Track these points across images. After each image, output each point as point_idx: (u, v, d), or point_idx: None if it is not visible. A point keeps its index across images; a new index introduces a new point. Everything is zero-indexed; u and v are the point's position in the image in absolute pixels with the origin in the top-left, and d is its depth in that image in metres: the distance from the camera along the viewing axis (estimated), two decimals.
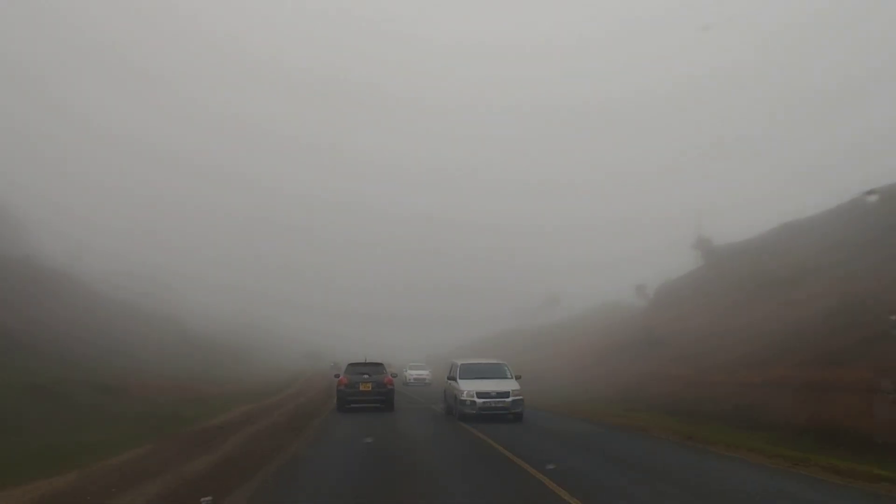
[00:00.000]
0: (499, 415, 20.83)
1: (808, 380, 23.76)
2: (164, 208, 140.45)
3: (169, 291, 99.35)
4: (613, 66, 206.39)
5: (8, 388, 19.67)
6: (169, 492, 9.66)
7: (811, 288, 34.10)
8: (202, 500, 8.70)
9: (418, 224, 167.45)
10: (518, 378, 22.34)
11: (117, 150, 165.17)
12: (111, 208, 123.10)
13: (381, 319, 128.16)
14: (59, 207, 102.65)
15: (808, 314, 30.74)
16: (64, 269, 69.07)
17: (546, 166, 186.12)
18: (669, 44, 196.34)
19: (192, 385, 39.01)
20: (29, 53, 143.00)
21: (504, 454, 13.88)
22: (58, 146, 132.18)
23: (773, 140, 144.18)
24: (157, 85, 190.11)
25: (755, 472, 12.26)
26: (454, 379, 22.30)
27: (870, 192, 37.26)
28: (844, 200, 39.57)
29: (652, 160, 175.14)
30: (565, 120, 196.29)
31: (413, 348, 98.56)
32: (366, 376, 24.18)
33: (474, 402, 20.78)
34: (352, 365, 25.22)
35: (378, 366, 25.51)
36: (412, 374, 50.67)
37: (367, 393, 23.76)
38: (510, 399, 21.01)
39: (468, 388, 21.11)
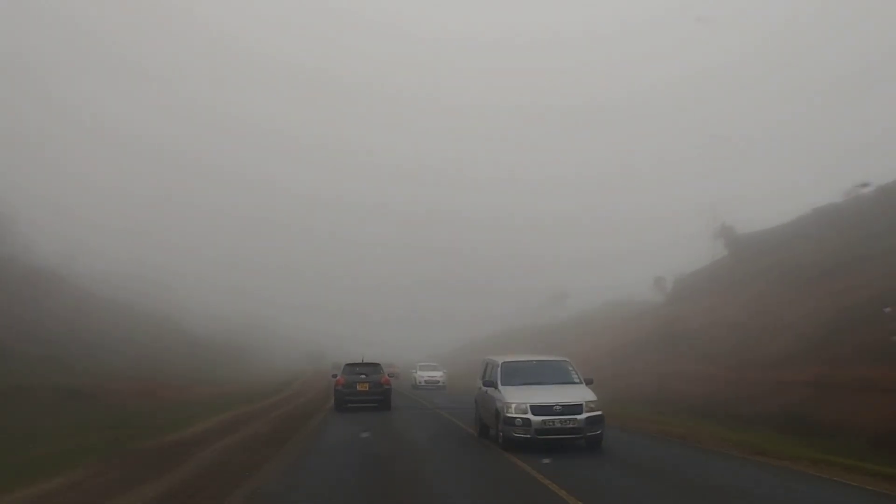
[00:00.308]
0: (567, 440, 14.02)
1: (853, 378, 21.19)
2: (163, 208, 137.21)
3: (168, 292, 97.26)
4: (617, 61, 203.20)
5: None
6: None
7: (849, 279, 31.17)
8: None
9: (419, 223, 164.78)
10: (590, 383, 15.32)
11: (116, 148, 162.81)
12: (109, 208, 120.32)
13: (383, 319, 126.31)
14: (55, 207, 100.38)
15: (847, 307, 27.89)
16: (55, 268, 66.79)
17: (546, 164, 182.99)
18: (673, 38, 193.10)
19: (181, 387, 36.25)
20: (25, 49, 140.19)
21: None
22: (55, 144, 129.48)
23: (786, 132, 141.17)
24: (156, 82, 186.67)
25: None
26: (493, 385, 15.28)
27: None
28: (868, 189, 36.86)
29: (656, 156, 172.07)
30: (566, 117, 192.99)
31: (415, 348, 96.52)
32: (363, 376, 24.09)
33: (528, 420, 13.79)
34: (349, 365, 25.07)
35: (375, 366, 25.24)
36: (423, 375, 43.38)
37: (364, 393, 23.72)
38: (583, 416, 13.85)
39: (516, 398, 14.19)
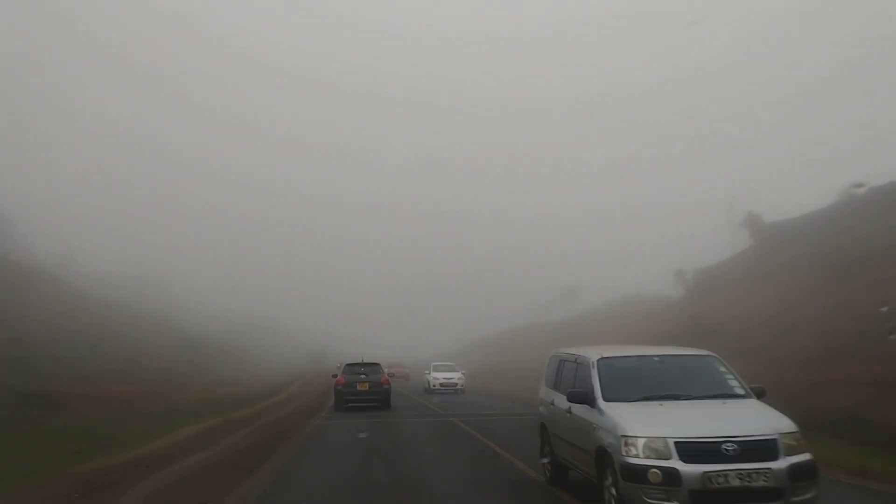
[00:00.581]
0: None
1: None
2: (164, 209, 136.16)
3: (168, 293, 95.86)
4: (620, 53, 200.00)
5: None
6: None
7: (883, 269, 28.23)
8: None
9: (421, 222, 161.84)
10: (762, 396, 8.72)
11: (115, 149, 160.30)
12: (108, 209, 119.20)
13: (387, 320, 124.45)
14: (52, 208, 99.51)
15: (886, 300, 24.92)
16: (49, 268, 64.60)
17: (548, 161, 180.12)
18: (678, 33, 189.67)
19: (169, 391, 33.44)
20: (22, 50, 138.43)
21: None
22: (53, 145, 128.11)
23: (785, 128, 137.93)
24: (153, 83, 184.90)
25: None
26: (586, 400, 8.62)
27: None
28: None
29: (657, 151, 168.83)
30: (565, 114, 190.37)
31: (418, 348, 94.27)
32: (363, 376, 24.09)
33: (673, 472, 7.16)
34: (349, 365, 25.05)
35: (375, 366, 25.17)
36: (438, 377, 36.22)
37: (364, 392, 23.73)
38: (783, 464, 7.23)
39: (644, 428, 7.55)
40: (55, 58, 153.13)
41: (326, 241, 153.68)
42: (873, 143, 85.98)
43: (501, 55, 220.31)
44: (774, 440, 7.40)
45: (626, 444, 7.46)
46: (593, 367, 8.83)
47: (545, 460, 10.56)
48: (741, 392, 8.73)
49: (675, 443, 7.29)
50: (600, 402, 8.35)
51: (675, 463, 7.22)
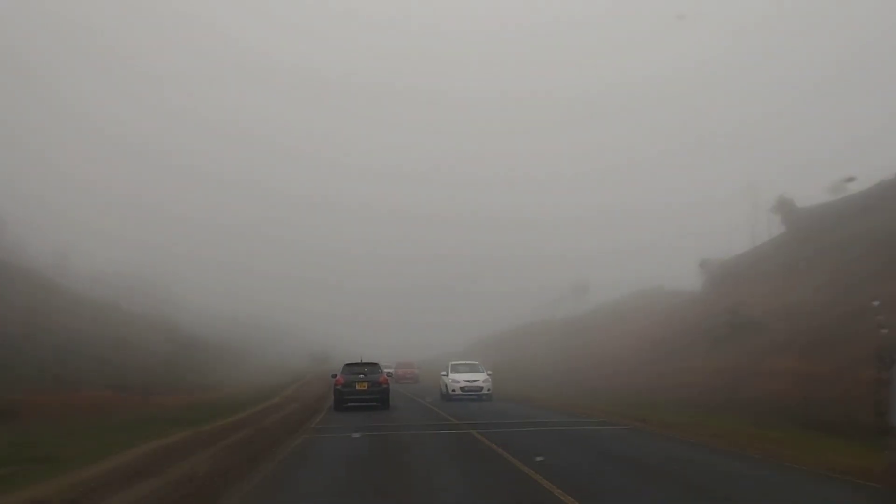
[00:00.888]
0: None
1: None
2: (165, 211, 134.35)
3: (167, 294, 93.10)
4: (618, 51, 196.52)
5: None
6: None
7: None
8: None
9: (422, 223, 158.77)
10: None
11: (114, 151, 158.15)
12: (108, 210, 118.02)
13: (388, 320, 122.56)
14: (48, 208, 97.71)
15: None
16: (36, 268, 61.83)
17: (549, 162, 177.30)
18: (682, 29, 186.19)
19: (148, 397, 30.19)
20: (21, 50, 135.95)
21: None
22: (50, 146, 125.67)
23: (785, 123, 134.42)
24: (153, 84, 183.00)
25: None
26: None
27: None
28: None
29: (664, 149, 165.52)
30: (566, 115, 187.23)
31: (419, 347, 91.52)
32: (362, 376, 23.88)
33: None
34: (348, 365, 24.85)
35: (374, 366, 24.95)
36: (458, 379, 28.47)
37: (363, 392, 23.54)
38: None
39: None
40: (52, 58, 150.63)
41: (328, 241, 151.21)
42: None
43: (505, 54, 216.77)
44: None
45: None
46: None
47: None
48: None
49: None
50: None
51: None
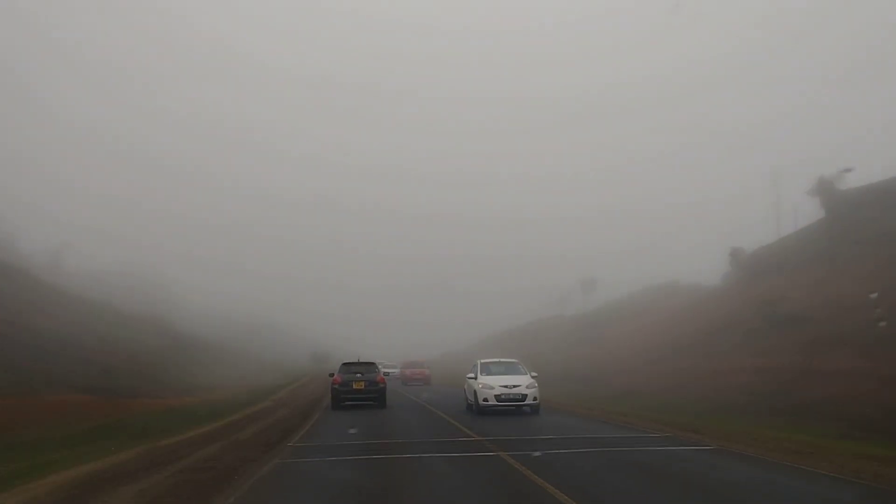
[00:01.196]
0: None
1: None
2: (165, 212, 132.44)
3: (164, 294, 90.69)
4: (616, 52, 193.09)
5: None
6: None
7: None
8: None
9: (422, 222, 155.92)
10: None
11: (117, 152, 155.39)
12: (105, 210, 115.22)
13: (391, 320, 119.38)
14: (43, 208, 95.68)
15: None
16: (25, 267, 59.41)
17: (549, 160, 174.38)
18: (688, 27, 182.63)
19: (124, 401, 27.16)
20: (10, 54, 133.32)
21: None
22: (50, 152, 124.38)
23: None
24: (148, 86, 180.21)
25: None
26: None
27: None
28: None
29: (666, 147, 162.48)
30: (567, 112, 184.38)
31: (424, 346, 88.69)
32: (359, 375, 23.59)
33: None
34: (345, 364, 24.62)
35: (371, 365, 24.70)
36: (492, 383, 20.45)
37: (360, 391, 23.23)
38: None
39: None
40: (45, 63, 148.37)
41: (329, 241, 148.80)
42: None
43: (505, 54, 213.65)
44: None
45: None
46: None
47: None
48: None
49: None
50: None
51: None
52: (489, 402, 19.73)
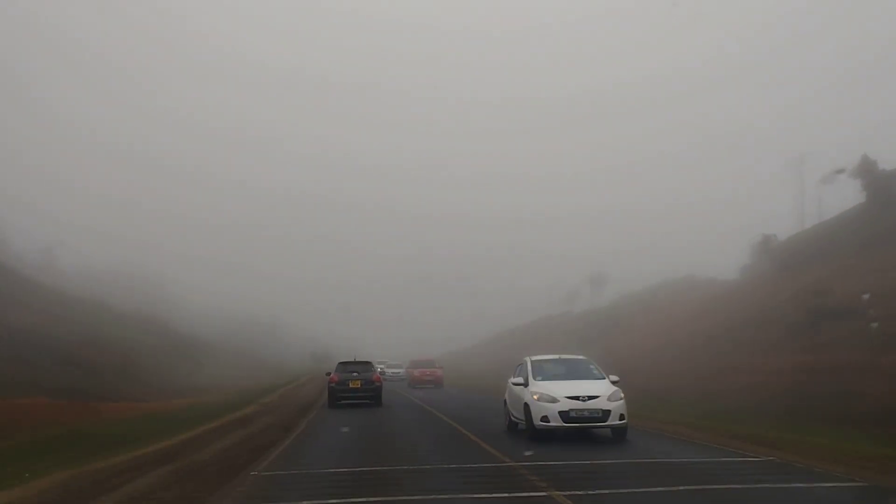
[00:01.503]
0: None
1: None
2: (164, 212, 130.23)
3: (162, 293, 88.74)
4: (617, 50, 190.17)
5: None
6: None
7: None
8: None
9: (422, 222, 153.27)
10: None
11: (116, 153, 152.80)
12: (104, 211, 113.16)
13: (393, 319, 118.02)
14: (43, 211, 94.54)
15: None
16: (13, 266, 57.27)
17: (549, 160, 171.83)
18: (686, 27, 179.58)
19: (97, 404, 24.29)
20: (5, 52, 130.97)
21: None
22: (48, 153, 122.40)
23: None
24: (145, 85, 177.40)
25: None
26: None
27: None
28: None
29: (667, 146, 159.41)
30: (568, 112, 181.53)
31: (431, 345, 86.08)
32: (355, 374, 23.59)
33: None
34: (342, 364, 24.60)
35: (367, 364, 24.84)
36: (556, 393, 13.33)
37: (356, 390, 23.13)
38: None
39: None
40: (40, 62, 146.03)
41: (330, 241, 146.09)
42: None
43: (512, 52, 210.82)
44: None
45: None
46: None
47: None
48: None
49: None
50: None
51: None
52: (551, 424, 12.85)
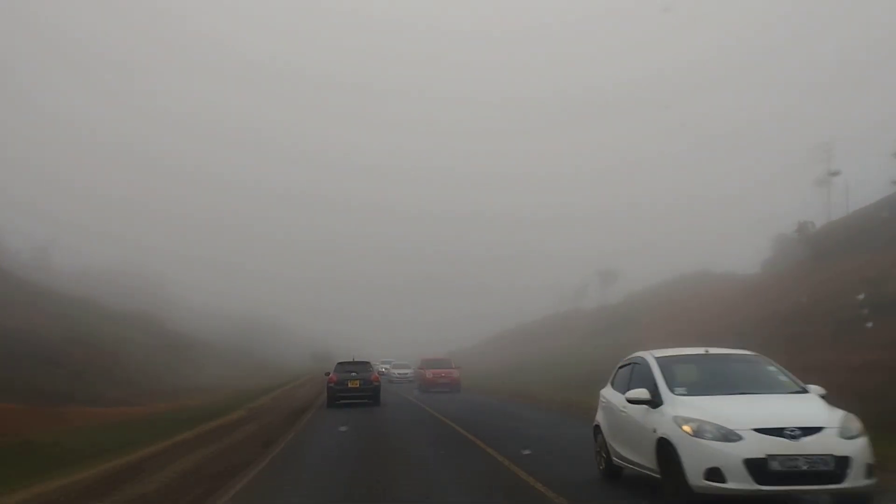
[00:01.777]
0: None
1: None
2: (163, 211, 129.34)
3: (160, 293, 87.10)
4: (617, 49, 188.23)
5: None
6: None
7: None
8: None
9: (426, 222, 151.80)
10: None
11: (116, 153, 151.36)
12: (103, 211, 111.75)
13: (394, 319, 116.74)
14: (40, 210, 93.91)
15: None
16: (7, 266, 55.30)
17: (549, 160, 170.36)
18: (686, 26, 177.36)
19: (68, 410, 21.79)
20: (13, 54, 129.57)
21: None
22: (45, 149, 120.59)
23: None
24: (144, 85, 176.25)
25: None
26: None
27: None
28: None
29: (669, 146, 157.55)
30: (570, 112, 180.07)
31: (434, 344, 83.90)
32: (354, 374, 23.37)
33: None
34: (341, 364, 24.58)
35: (365, 364, 24.90)
36: (727, 422, 6.61)
37: (355, 389, 22.87)
38: None
39: None
40: (45, 60, 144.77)
41: (330, 241, 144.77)
42: None
43: (512, 52, 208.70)
44: None
45: None
46: None
47: None
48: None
49: None
50: None
51: None
52: (728, 484, 6.43)
